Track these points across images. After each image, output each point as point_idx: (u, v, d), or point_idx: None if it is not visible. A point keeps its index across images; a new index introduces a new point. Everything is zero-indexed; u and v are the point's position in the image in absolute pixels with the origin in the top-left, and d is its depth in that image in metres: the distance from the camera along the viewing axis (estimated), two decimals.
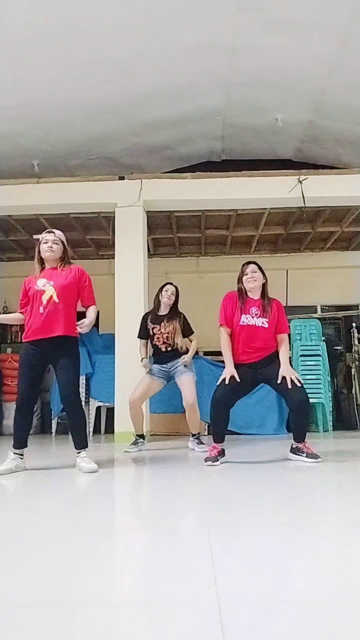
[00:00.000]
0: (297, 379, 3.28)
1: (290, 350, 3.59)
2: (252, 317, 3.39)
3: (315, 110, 5.83)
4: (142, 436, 4.38)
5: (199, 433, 4.39)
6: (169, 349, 4.27)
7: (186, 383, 4.20)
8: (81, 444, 3.22)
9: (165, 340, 4.26)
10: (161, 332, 4.27)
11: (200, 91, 5.51)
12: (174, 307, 4.39)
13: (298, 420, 3.37)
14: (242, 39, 4.62)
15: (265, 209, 6.26)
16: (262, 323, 3.39)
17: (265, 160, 6.90)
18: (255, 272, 3.47)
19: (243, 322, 3.39)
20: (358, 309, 7.73)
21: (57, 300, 3.17)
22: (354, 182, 5.54)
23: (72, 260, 3.49)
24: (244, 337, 3.39)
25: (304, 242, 7.69)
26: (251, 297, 3.48)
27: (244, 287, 3.48)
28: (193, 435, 4.36)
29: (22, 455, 3.21)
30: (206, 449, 4.09)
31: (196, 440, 4.31)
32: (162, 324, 4.28)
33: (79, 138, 6.02)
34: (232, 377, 3.30)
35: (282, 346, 3.47)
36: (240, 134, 6.55)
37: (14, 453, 3.19)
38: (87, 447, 3.24)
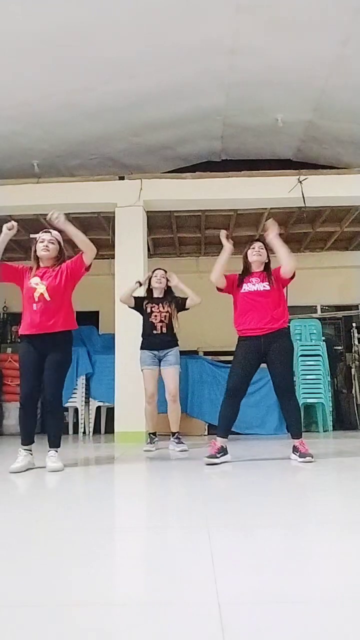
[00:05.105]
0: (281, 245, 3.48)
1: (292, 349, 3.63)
2: (253, 284, 3.52)
3: (315, 110, 5.82)
4: (155, 434, 4.44)
5: (178, 432, 4.39)
6: (164, 330, 4.32)
7: (170, 375, 4.30)
8: (54, 443, 3.28)
9: (162, 319, 4.33)
10: (159, 311, 4.34)
11: (200, 91, 5.51)
12: (169, 290, 4.47)
13: (286, 408, 3.43)
14: (242, 39, 4.62)
15: (265, 209, 6.25)
16: (264, 287, 3.48)
17: (265, 160, 6.89)
18: (262, 248, 3.61)
19: (244, 289, 3.52)
20: (358, 309, 7.74)
21: (48, 299, 3.23)
22: (354, 182, 5.54)
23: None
24: (249, 304, 3.47)
25: (304, 242, 7.69)
26: (253, 271, 3.60)
27: (248, 261, 3.59)
28: (173, 434, 4.37)
29: (30, 450, 3.25)
30: (186, 448, 4.11)
31: (176, 440, 4.30)
32: (161, 304, 4.38)
33: (79, 138, 6.01)
34: (242, 359, 3.42)
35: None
36: (240, 134, 6.55)
37: (24, 449, 3.22)
38: (59, 447, 3.29)
